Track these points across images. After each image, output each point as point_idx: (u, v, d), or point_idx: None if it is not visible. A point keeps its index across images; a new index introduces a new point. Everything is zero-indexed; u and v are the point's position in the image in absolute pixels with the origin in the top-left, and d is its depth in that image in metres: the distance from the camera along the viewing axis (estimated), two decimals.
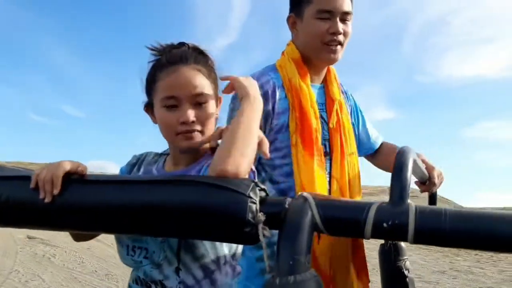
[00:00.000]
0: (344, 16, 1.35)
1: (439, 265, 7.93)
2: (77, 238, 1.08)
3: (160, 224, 0.65)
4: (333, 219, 0.56)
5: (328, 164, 1.39)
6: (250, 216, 0.58)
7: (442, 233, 0.51)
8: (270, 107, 1.33)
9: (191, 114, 0.96)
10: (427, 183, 1.23)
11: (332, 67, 1.50)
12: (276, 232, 0.57)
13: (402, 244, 1.26)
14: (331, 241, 1.32)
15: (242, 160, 0.79)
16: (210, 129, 1.02)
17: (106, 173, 1.18)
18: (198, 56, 1.02)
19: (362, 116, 1.61)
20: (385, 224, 0.53)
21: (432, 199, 1.31)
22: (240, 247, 1.06)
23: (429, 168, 1.22)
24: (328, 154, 1.39)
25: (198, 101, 0.98)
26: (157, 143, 1.19)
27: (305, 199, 0.57)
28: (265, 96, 1.30)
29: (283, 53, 1.48)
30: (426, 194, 1.33)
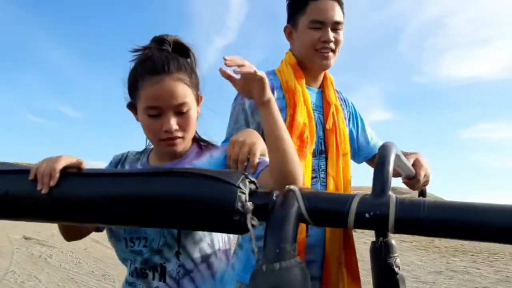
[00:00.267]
0: (335, 26, 1.46)
1: (436, 265, 7.96)
2: (68, 237, 1.10)
3: (154, 215, 0.68)
4: (318, 210, 0.59)
5: (323, 163, 1.48)
6: (239, 205, 0.61)
7: (420, 223, 0.53)
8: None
9: (173, 123, 1.01)
10: (413, 180, 1.27)
11: (329, 74, 1.60)
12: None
13: (393, 241, 1.27)
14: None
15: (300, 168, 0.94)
16: (192, 131, 1.08)
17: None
18: (179, 60, 1.05)
19: (362, 121, 1.69)
20: (367, 215, 0.55)
21: (422, 196, 1.33)
22: (232, 235, 1.11)
23: (417, 166, 1.26)
24: (323, 152, 1.49)
25: (181, 110, 1.02)
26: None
27: (292, 191, 0.60)
28: None
29: (282, 61, 1.58)
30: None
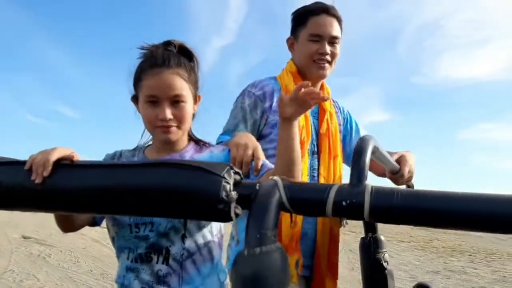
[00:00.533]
0: (332, 40, 1.60)
1: (433, 265, 7.98)
2: (64, 228, 1.14)
3: (142, 204, 0.70)
4: (298, 199, 0.61)
5: (315, 162, 1.60)
6: (223, 194, 0.64)
7: (394, 211, 0.56)
8: (267, 105, 1.58)
9: (168, 112, 1.10)
10: (397, 175, 1.31)
11: (326, 85, 1.75)
12: None
13: (382, 237, 1.30)
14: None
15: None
16: (187, 125, 1.17)
17: None
18: (180, 58, 1.16)
19: (356, 127, 1.82)
20: (344, 203, 0.58)
21: None
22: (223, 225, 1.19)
23: (402, 162, 1.30)
24: (316, 153, 1.61)
25: (176, 101, 1.11)
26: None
27: (275, 181, 0.63)
28: (264, 95, 1.59)
29: (283, 69, 1.73)
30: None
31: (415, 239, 11.84)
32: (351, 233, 9.64)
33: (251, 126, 1.57)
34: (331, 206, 0.58)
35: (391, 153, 1.36)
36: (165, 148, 1.19)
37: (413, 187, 1.33)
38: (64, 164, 0.82)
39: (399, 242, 10.94)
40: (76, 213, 1.08)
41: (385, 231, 12.83)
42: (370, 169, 1.75)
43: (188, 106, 1.14)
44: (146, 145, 1.26)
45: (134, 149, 1.26)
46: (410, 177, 1.34)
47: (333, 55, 1.61)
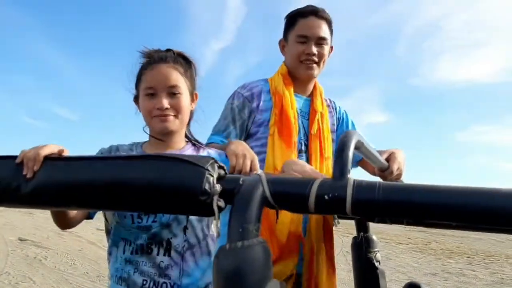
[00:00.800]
0: (319, 41, 1.63)
1: (431, 267, 7.98)
2: (61, 225, 1.14)
3: (127, 197, 0.70)
4: (281, 193, 0.60)
5: (303, 160, 1.57)
6: (206, 186, 0.63)
7: (375, 205, 0.55)
8: (255, 105, 1.62)
9: (165, 102, 1.17)
10: (386, 172, 1.30)
11: (319, 85, 1.76)
12: None
13: (373, 236, 1.29)
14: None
15: None
16: (185, 117, 1.23)
17: None
18: (178, 58, 1.24)
19: (353, 125, 1.83)
20: (326, 197, 0.57)
21: None
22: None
23: (391, 160, 1.30)
24: (303, 152, 1.62)
25: (173, 92, 1.19)
26: None
27: (258, 176, 0.62)
28: (252, 96, 1.63)
29: (276, 72, 1.76)
30: None
31: (413, 241, 11.84)
32: (349, 235, 9.64)
33: (240, 127, 1.60)
34: (314, 200, 0.57)
35: (381, 152, 1.36)
36: (163, 145, 1.23)
37: None
38: (51, 159, 0.83)
39: (397, 244, 10.94)
40: (61, 209, 1.07)
41: (383, 233, 12.84)
42: (364, 168, 1.76)
43: (185, 98, 1.21)
44: (144, 141, 1.30)
45: (132, 144, 1.30)
46: (399, 174, 1.34)
47: (320, 55, 1.64)
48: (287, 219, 1.43)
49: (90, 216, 1.19)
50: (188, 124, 1.31)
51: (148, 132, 1.27)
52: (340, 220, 1.29)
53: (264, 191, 0.60)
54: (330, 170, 1.60)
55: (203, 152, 1.26)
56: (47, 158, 0.84)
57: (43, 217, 11.28)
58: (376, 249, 1.28)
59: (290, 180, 0.64)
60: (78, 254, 7.29)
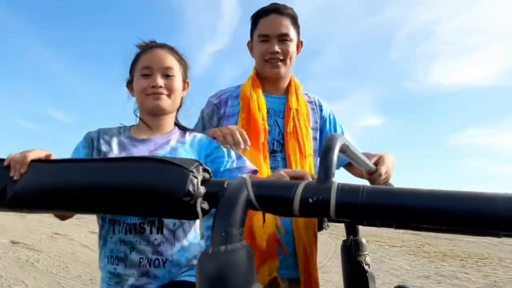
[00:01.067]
0: (282, 38, 1.61)
1: (425, 270, 7.99)
2: (60, 217, 1.16)
3: (112, 199, 0.70)
4: (265, 197, 0.61)
5: (279, 163, 1.59)
6: (190, 187, 0.64)
7: (359, 208, 0.55)
8: (222, 111, 1.66)
9: (160, 80, 1.25)
10: (374, 175, 1.31)
11: (295, 81, 1.73)
12: None
13: (363, 240, 1.30)
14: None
15: None
16: (177, 98, 1.30)
17: None
18: (172, 47, 1.32)
19: (341, 129, 1.79)
20: (310, 200, 0.57)
21: None
22: None
23: (380, 163, 1.30)
24: (279, 152, 1.60)
25: (167, 73, 1.27)
26: None
27: (243, 179, 0.62)
28: (220, 103, 1.68)
29: None
30: None
31: (406, 243, 11.85)
32: (343, 238, 9.61)
33: None
34: (298, 203, 0.58)
35: (370, 155, 1.37)
36: (152, 129, 1.28)
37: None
38: (38, 162, 0.85)
39: (390, 247, 10.95)
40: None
41: (377, 235, 12.86)
42: (351, 171, 1.74)
43: (178, 80, 1.29)
44: (132, 124, 1.35)
45: (120, 127, 1.33)
46: (387, 178, 1.34)
47: (284, 53, 1.61)
48: (266, 222, 1.41)
49: None
50: (178, 110, 1.38)
51: (138, 115, 1.34)
52: (336, 224, 1.29)
53: (248, 195, 0.60)
54: (311, 168, 1.60)
55: (190, 136, 1.31)
56: (34, 161, 0.85)
57: (36, 219, 11.19)
58: (365, 252, 1.28)
59: (275, 183, 0.64)
60: (71, 257, 7.23)
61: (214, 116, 1.67)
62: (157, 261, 1.14)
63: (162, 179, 0.66)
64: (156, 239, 1.14)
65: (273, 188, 0.62)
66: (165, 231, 1.15)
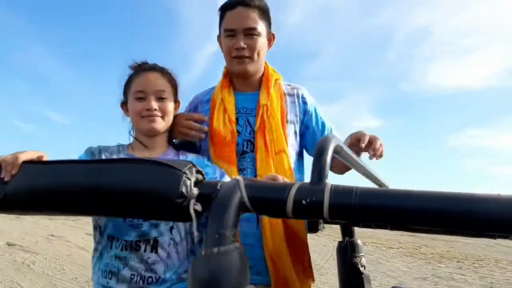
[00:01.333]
0: (248, 32, 1.49)
1: (422, 271, 8.00)
2: None
3: (104, 202, 0.69)
4: (258, 199, 0.60)
5: (248, 163, 1.49)
6: (183, 189, 0.64)
7: (352, 209, 0.55)
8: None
9: (154, 104, 1.32)
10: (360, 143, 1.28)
11: (270, 75, 1.60)
12: None
13: (359, 241, 1.29)
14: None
15: None
16: (170, 119, 1.38)
17: None
18: (163, 68, 1.40)
19: (317, 122, 1.64)
20: (303, 202, 0.57)
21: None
22: None
23: (359, 134, 1.30)
24: (249, 152, 1.50)
25: (161, 96, 1.34)
26: None
27: (236, 180, 0.62)
28: (190, 110, 1.65)
29: None
30: None
31: (403, 245, 11.87)
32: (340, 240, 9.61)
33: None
34: (291, 205, 0.57)
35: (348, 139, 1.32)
36: (146, 148, 1.35)
37: (376, 155, 1.27)
38: (32, 163, 0.84)
39: (388, 249, 10.96)
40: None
41: (374, 237, 12.87)
42: (331, 169, 1.61)
43: (170, 102, 1.37)
44: (129, 143, 1.40)
45: (119, 146, 1.39)
46: (374, 140, 1.29)
47: (251, 48, 1.50)
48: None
49: None
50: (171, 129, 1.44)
51: (133, 135, 1.40)
52: (333, 225, 1.27)
53: (242, 196, 0.59)
54: (284, 165, 1.47)
55: (182, 156, 1.36)
56: (26, 162, 0.85)
57: (32, 221, 11.15)
58: (361, 254, 1.28)
59: (268, 185, 0.64)
60: (67, 259, 7.20)
61: None
62: (150, 279, 1.19)
63: (155, 180, 0.66)
64: (149, 257, 1.20)
65: (266, 189, 0.62)
66: (159, 250, 1.20)
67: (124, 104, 1.41)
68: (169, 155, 1.35)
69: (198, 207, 0.64)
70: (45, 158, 0.91)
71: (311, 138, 1.62)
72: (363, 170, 0.96)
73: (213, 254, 0.51)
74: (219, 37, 1.61)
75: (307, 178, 1.54)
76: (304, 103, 1.63)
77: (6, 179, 0.81)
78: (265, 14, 1.54)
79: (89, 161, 0.80)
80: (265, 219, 1.39)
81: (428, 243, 12.55)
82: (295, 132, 1.58)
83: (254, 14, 1.50)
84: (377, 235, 13.32)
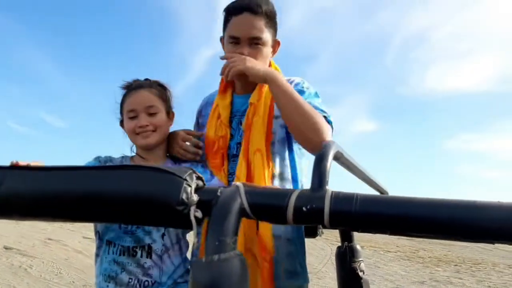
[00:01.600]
0: (253, 41, 1.44)
1: (419, 275, 8.01)
2: None
3: (103, 208, 0.68)
4: (259, 205, 0.60)
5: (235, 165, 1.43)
6: (184, 196, 0.62)
7: (352, 216, 0.55)
8: (201, 121, 1.65)
9: (145, 120, 1.39)
10: None
11: (274, 65, 1.58)
12: None
13: (358, 246, 1.29)
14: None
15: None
16: (163, 131, 1.45)
17: None
18: (152, 83, 1.47)
19: (313, 94, 1.53)
20: (304, 208, 0.56)
21: None
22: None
23: None
24: (236, 156, 1.45)
25: (150, 112, 1.41)
26: None
27: (237, 187, 0.61)
28: (198, 112, 1.68)
29: None
30: None
31: (401, 249, 11.88)
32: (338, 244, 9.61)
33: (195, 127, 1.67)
34: (292, 212, 0.57)
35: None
36: (148, 160, 1.44)
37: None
38: (24, 169, 0.80)
39: (385, 252, 10.96)
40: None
41: (372, 241, 12.87)
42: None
43: (161, 115, 1.43)
44: (132, 155, 1.49)
45: (123, 157, 1.48)
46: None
47: (253, 57, 1.42)
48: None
49: None
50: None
51: (135, 151, 1.48)
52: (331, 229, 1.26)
53: (242, 203, 0.59)
54: (261, 165, 1.38)
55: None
56: (16, 167, 0.82)
57: (29, 225, 11.10)
58: (360, 259, 1.28)
59: (268, 191, 0.64)
60: (64, 263, 7.18)
61: (195, 128, 1.67)
62: (147, 282, 1.28)
63: (155, 187, 0.65)
64: (146, 262, 1.29)
65: (266, 196, 0.61)
66: (153, 256, 1.30)
67: (122, 123, 1.49)
68: (169, 165, 1.37)
69: (199, 214, 0.63)
70: (37, 164, 0.92)
71: None
72: (362, 176, 0.97)
73: (214, 261, 0.51)
74: (222, 39, 1.57)
75: (306, 177, 1.55)
76: (298, 90, 1.47)
77: None
78: (271, 21, 1.48)
79: (89, 167, 0.79)
80: None
81: (426, 246, 12.56)
82: (281, 126, 1.47)
83: (261, 23, 1.43)
84: (375, 239, 13.33)
